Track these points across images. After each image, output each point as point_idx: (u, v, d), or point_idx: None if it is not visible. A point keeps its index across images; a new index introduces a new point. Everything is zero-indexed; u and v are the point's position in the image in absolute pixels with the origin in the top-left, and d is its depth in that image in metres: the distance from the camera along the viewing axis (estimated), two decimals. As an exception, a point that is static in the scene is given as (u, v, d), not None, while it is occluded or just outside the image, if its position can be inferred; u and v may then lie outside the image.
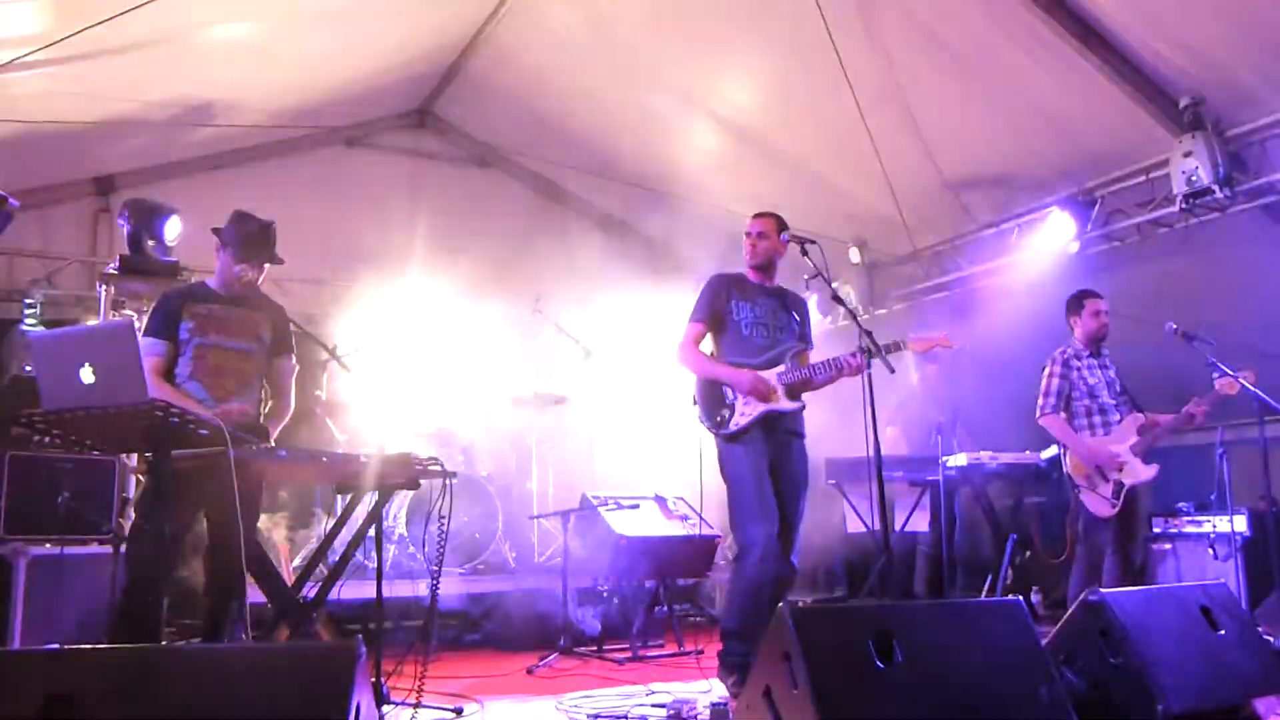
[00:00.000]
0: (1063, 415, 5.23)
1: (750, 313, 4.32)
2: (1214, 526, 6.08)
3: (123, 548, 4.63)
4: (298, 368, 4.25)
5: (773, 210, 4.49)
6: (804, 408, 4.30)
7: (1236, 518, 5.93)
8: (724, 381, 4.23)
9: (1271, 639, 4.63)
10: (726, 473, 4.23)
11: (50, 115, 6.50)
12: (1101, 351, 5.35)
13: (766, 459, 4.17)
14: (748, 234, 4.44)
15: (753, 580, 4.04)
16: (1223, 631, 3.53)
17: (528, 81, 8.00)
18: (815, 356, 4.44)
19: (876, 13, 5.84)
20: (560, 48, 7.40)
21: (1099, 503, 5.07)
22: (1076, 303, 5.37)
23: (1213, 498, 6.11)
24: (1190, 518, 6.28)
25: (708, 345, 4.43)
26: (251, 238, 3.98)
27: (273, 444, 3.96)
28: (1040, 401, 5.28)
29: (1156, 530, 6.44)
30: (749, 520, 4.08)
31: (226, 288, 4.00)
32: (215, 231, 4.03)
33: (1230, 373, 5.04)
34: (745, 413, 4.17)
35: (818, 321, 8.52)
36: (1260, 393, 4.99)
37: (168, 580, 3.42)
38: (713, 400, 4.27)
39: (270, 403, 4.13)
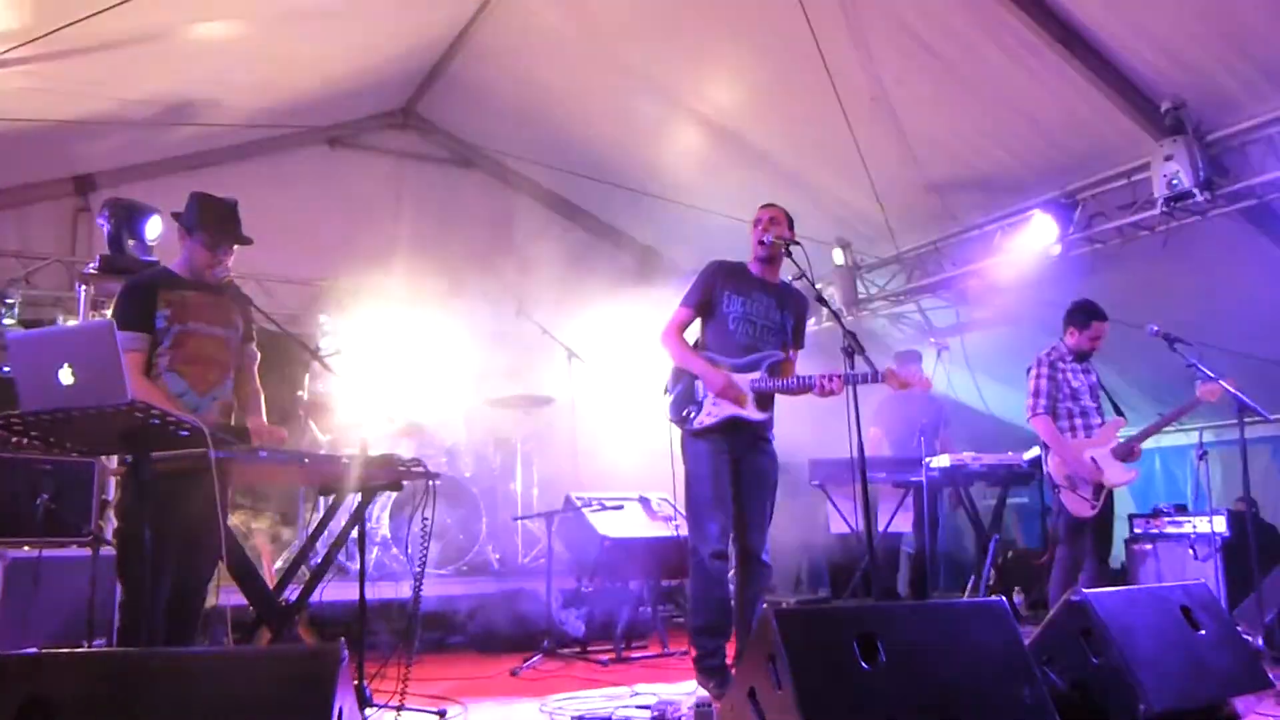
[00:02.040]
0: (1050, 417, 5.25)
1: (740, 308, 4.29)
2: (1194, 527, 6.13)
3: (102, 552, 4.58)
4: (259, 356, 4.07)
5: (755, 211, 4.47)
6: (771, 417, 4.28)
7: (1216, 518, 5.98)
8: (698, 376, 4.22)
9: (1250, 638, 4.68)
10: (686, 467, 4.26)
11: (29, 113, 6.44)
12: (1084, 358, 5.39)
13: (729, 457, 4.18)
14: (757, 222, 4.36)
15: (712, 573, 4.07)
16: (1203, 631, 3.56)
17: (512, 82, 7.98)
18: (802, 356, 4.44)
19: (861, 15, 5.86)
20: (544, 48, 7.39)
21: (1079, 503, 5.11)
22: (1085, 319, 5.34)
23: (1193, 498, 6.16)
24: (1170, 518, 6.34)
25: (695, 329, 4.41)
26: (221, 219, 3.76)
27: (264, 428, 3.90)
28: (1029, 402, 5.30)
29: (1137, 531, 6.49)
30: (704, 515, 4.11)
31: (195, 274, 3.77)
32: (175, 217, 3.81)
33: (1213, 377, 5.08)
34: (711, 413, 4.18)
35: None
36: (1240, 395, 5.03)
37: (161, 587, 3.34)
38: (682, 394, 4.28)
39: (240, 390, 3.94)
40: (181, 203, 3.88)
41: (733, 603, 4.27)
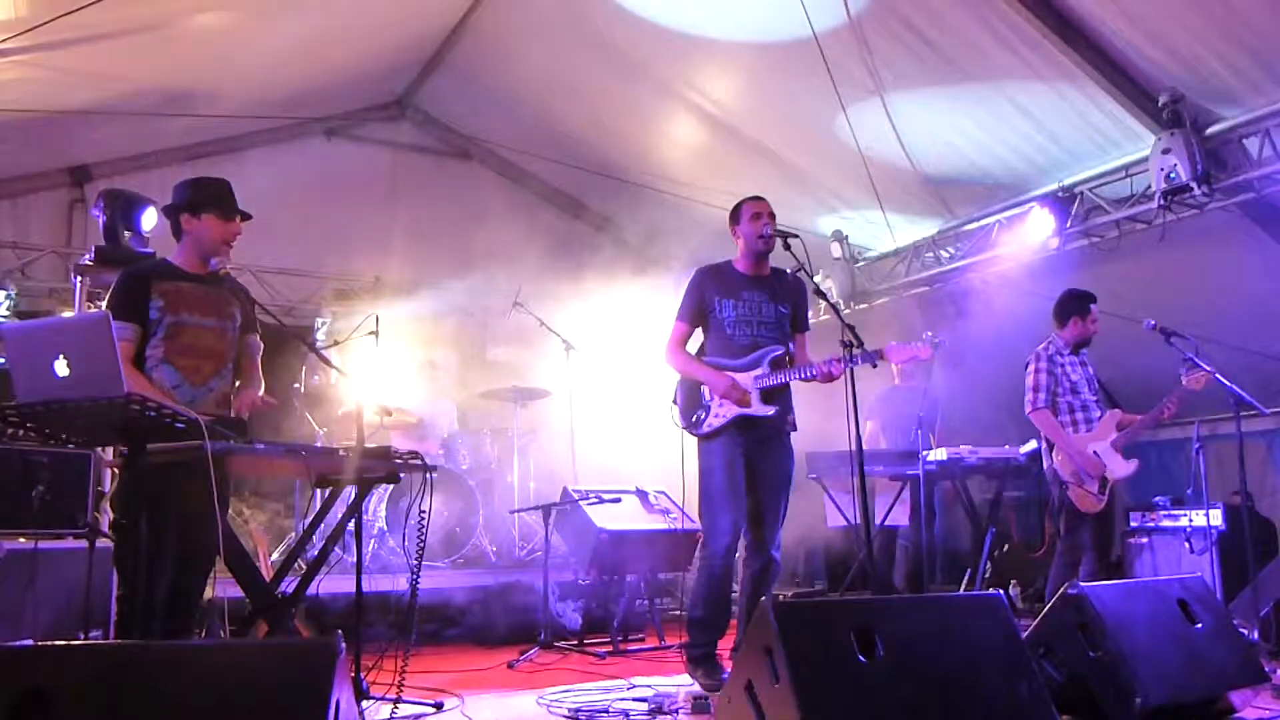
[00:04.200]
0: (1050, 411, 5.25)
1: (733, 311, 4.29)
2: (1190, 520, 6.14)
3: (98, 543, 4.57)
4: (263, 346, 4.04)
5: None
6: (778, 410, 4.26)
7: (1212, 512, 5.98)
8: (702, 382, 4.25)
9: (1246, 632, 4.69)
10: (701, 465, 4.27)
11: (24, 103, 6.40)
12: (1080, 350, 5.38)
13: (743, 455, 4.18)
14: (756, 215, 4.29)
15: (719, 569, 4.08)
16: (1199, 625, 3.56)
17: (509, 73, 7.96)
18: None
19: (859, 7, 5.84)
20: (541, 39, 7.37)
21: (1087, 499, 5.10)
22: (1081, 304, 5.33)
23: (1189, 492, 6.17)
24: (1167, 512, 6.34)
25: (697, 339, 4.42)
26: (224, 194, 3.77)
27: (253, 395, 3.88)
28: (1029, 397, 5.29)
29: (1134, 524, 6.50)
30: (717, 510, 4.11)
31: (201, 260, 3.74)
32: (168, 211, 3.77)
33: (1209, 370, 5.07)
34: (720, 414, 4.19)
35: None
36: (1236, 388, 5.03)
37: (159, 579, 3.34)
38: (690, 401, 4.30)
39: (238, 382, 3.92)
40: (179, 194, 3.85)
41: (735, 596, 4.27)
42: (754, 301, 4.32)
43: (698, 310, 4.35)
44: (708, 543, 4.14)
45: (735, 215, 4.39)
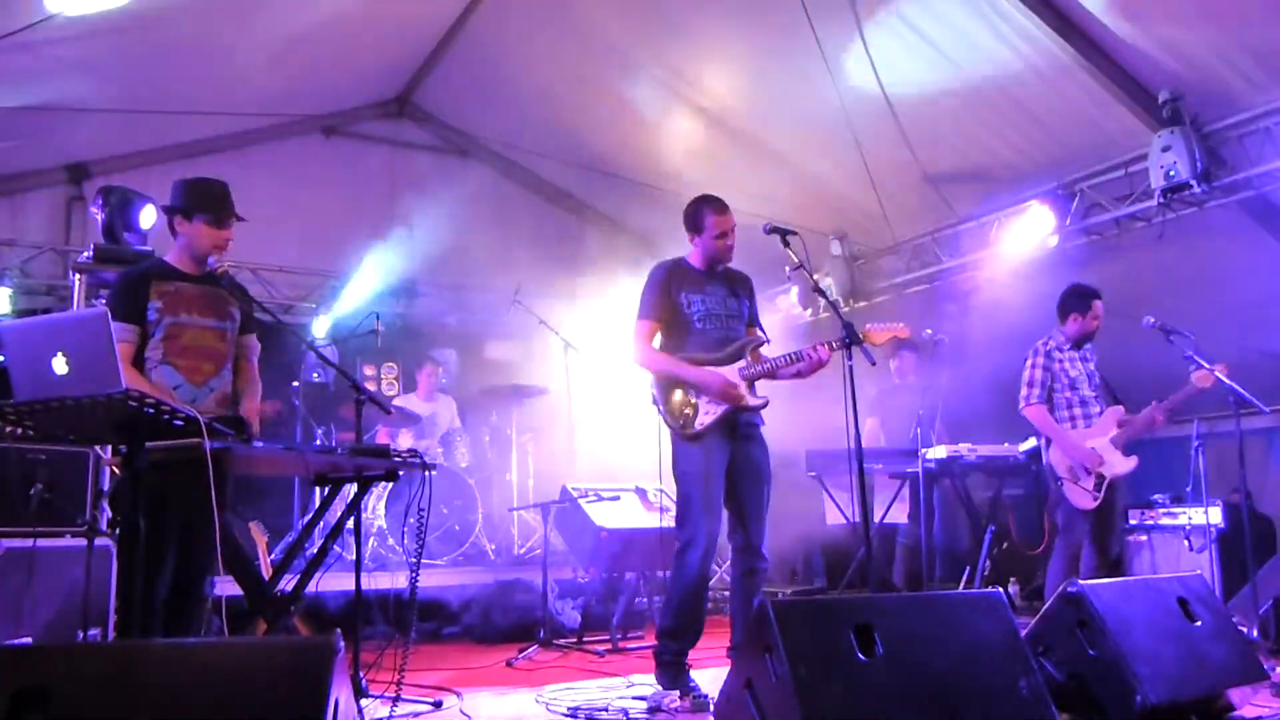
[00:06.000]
0: (1045, 406, 5.24)
1: (701, 305, 4.20)
2: (1189, 518, 6.13)
3: (97, 541, 4.57)
4: (260, 347, 4.03)
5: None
6: (767, 403, 4.22)
7: (1211, 510, 5.98)
8: (691, 384, 4.10)
9: (1245, 630, 4.69)
10: (678, 468, 4.14)
11: (22, 100, 6.40)
12: (1083, 345, 5.37)
13: (725, 457, 4.09)
14: (723, 235, 4.21)
15: (695, 575, 3.99)
16: (1199, 623, 3.56)
17: (508, 71, 7.95)
18: (794, 346, 4.41)
19: (858, 4, 5.84)
20: (541, 37, 7.36)
21: (1081, 495, 5.10)
22: (1083, 300, 5.29)
23: (1188, 490, 6.16)
24: (1166, 509, 6.33)
25: (657, 342, 4.29)
26: (218, 198, 3.73)
27: (258, 423, 3.87)
28: (1024, 392, 5.29)
29: (1133, 522, 6.49)
30: (695, 516, 4.01)
31: (198, 259, 3.73)
32: (167, 210, 3.74)
33: (1206, 366, 5.07)
34: (710, 411, 4.07)
35: (796, 314, 8.57)
36: (1236, 386, 5.03)
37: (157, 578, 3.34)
38: (675, 401, 4.15)
39: (239, 383, 3.90)
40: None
41: (713, 594, 4.21)
42: (718, 295, 4.24)
43: (662, 306, 4.21)
44: (685, 548, 4.02)
45: (697, 223, 4.25)
